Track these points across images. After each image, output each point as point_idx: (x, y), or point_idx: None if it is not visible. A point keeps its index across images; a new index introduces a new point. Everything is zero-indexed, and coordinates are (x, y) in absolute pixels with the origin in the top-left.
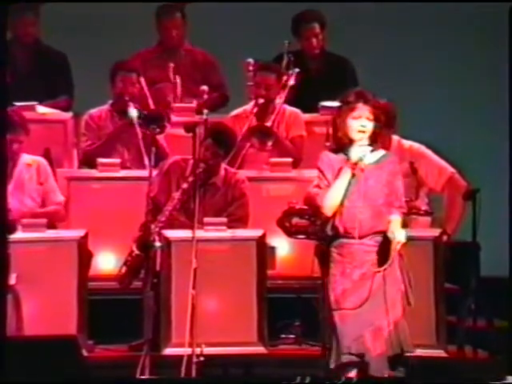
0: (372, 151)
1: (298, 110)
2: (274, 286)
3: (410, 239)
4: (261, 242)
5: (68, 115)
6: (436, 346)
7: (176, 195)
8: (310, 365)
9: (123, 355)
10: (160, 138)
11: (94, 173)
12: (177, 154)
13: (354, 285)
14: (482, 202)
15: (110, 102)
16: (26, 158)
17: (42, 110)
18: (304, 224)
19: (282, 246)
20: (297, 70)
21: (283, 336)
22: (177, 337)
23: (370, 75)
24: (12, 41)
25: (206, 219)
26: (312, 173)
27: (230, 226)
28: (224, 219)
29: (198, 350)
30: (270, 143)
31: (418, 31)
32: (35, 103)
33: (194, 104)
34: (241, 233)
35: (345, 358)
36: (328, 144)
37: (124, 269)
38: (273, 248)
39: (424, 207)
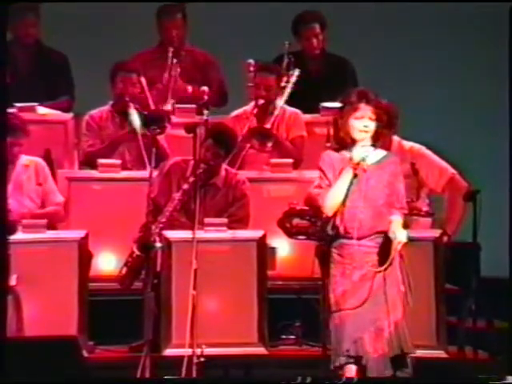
0: (374, 151)
1: (298, 111)
2: (275, 286)
3: (410, 240)
4: (261, 243)
5: (68, 116)
6: (436, 347)
7: (176, 196)
8: (310, 365)
9: (123, 356)
10: (160, 138)
11: (94, 173)
12: (177, 154)
13: (354, 286)
14: (482, 202)
15: (111, 102)
16: (23, 159)
17: (42, 110)
18: (304, 225)
19: (283, 246)
20: (297, 70)
21: (284, 337)
22: (177, 337)
23: (370, 75)
24: (12, 41)
25: (206, 220)
26: (313, 173)
27: (230, 226)
28: (224, 220)
29: (198, 351)
30: (269, 144)
31: (418, 31)
32: (36, 104)
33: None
34: (241, 233)
35: (343, 360)
36: (328, 145)
37: (124, 269)
38: (273, 249)
39: (425, 208)
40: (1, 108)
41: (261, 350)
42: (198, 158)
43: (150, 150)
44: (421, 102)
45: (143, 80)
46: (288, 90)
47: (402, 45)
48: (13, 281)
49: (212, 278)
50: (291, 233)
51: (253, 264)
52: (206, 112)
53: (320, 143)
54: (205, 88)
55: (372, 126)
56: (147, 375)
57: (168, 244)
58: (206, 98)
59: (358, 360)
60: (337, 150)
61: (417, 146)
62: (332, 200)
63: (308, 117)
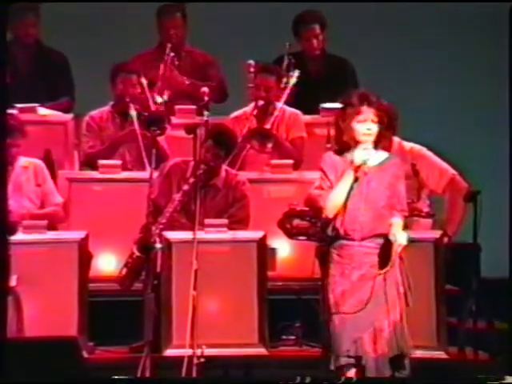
0: (375, 153)
1: (298, 112)
2: (275, 287)
3: (410, 241)
4: (261, 244)
5: (69, 117)
6: (437, 348)
7: (177, 197)
8: (310, 366)
9: (124, 357)
10: (161, 139)
11: (95, 174)
12: (177, 155)
13: (353, 286)
14: (482, 203)
15: (111, 103)
16: (22, 161)
17: (42, 111)
18: (305, 225)
19: (283, 247)
20: (297, 71)
21: (284, 337)
22: (177, 338)
23: (370, 75)
24: (13, 42)
25: (206, 221)
26: (313, 174)
27: (230, 227)
28: (225, 221)
29: (198, 352)
30: (269, 145)
31: (418, 31)
32: (36, 105)
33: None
34: (241, 234)
35: (343, 361)
36: (329, 146)
37: (125, 270)
38: (273, 249)
39: (425, 209)
40: (1, 108)
41: (261, 351)
42: (198, 159)
43: (150, 150)
44: (421, 102)
45: (143, 81)
46: (288, 91)
47: (401, 45)
48: (13, 281)
49: (212, 279)
50: (291, 233)
51: (253, 265)
52: (206, 113)
53: (320, 144)
54: (205, 89)
55: (375, 128)
56: (147, 376)
57: (168, 245)
58: (206, 98)
59: (357, 360)
60: (337, 152)
61: (417, 146)
62: (333, 202)
63: (308, 117)
